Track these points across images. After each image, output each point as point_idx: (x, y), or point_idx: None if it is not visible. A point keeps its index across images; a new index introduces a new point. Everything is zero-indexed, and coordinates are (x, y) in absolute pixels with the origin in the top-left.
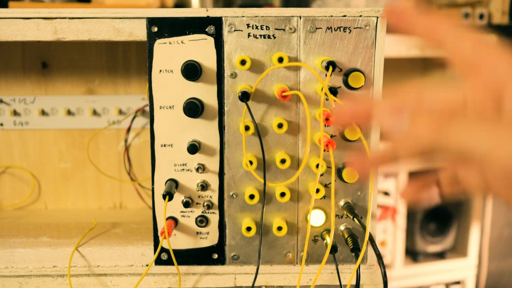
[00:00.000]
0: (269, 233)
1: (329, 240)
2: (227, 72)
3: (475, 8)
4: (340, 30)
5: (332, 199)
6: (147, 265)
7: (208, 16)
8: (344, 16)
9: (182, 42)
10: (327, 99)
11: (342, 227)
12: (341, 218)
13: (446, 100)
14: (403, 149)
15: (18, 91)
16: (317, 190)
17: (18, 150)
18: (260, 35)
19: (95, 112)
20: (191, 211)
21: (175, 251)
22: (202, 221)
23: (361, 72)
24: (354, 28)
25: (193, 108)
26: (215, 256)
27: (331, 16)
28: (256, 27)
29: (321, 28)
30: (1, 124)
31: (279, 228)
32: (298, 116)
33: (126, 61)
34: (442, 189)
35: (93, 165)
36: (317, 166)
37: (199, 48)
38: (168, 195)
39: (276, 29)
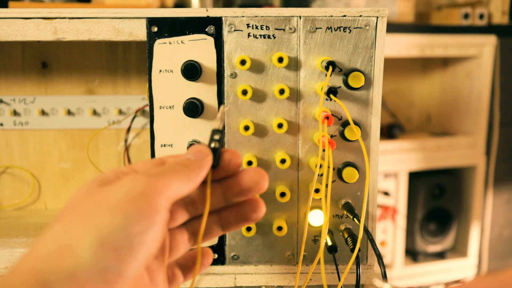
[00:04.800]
0: (269, 233)
1: (328, 240)
2: (227, 72)
3: (475, 8)
4: (340, 30)
5: (328, 199)
6: None
7: (208, 16)
8: (344, 16)
9: (182, 42)
10: (327, 99)
11: (342, 227)
12: (341, 218)
13: None
14: None
15: (18, 91)
16: (317, 190)
17: (18, 150)
18: (260, 35)
19: (95, 112)
20: None
21: None
22: None
23: (361, 72)
24: (354, 28)
25: (193, 108)
26: (215, 256)
27: (331, 16)
28: (256, 27)
29: (321, 28)
30: (1, 124)
31: (279, 228)
32: (298, 116)
33: (126, 61)
34: None
35: (93, 165)
36: (321, 166)
37: (199, 48)
38: None
39: (276, 29)
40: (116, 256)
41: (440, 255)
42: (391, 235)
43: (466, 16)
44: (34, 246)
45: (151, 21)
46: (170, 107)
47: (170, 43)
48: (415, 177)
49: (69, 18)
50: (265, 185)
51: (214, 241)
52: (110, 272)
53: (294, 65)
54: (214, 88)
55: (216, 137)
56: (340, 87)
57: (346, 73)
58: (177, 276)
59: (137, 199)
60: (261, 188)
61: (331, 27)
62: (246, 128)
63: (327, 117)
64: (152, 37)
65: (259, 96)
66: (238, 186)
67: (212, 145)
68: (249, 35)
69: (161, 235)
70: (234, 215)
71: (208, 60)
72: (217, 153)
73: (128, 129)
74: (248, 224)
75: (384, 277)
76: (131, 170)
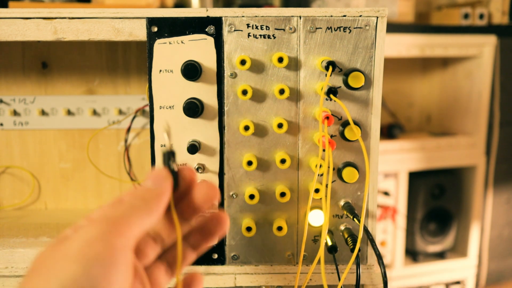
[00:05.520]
0: (269, 233)
1: (328, 240)
2: (227, 72)
3: (475, 8)
4: (340, 30)
5: (328, 199)
6: None
7: (208, 16)
8: (344, 16)
9: (182, 42)
10: (327, 99)
11: (342, 227)
12: (341, 218)
13: None
14: None
15: (18, 91)
16: (317, 190)
17: (18, 150)
18: (260, 35)
19: (95, 112)
20: None
21: None
22: None
23: (361, 72)
24: (354, 28)
25: (193, 108)
26: (215, 256)
27: (331, 16)
28: (256, 27)
29: (321, 28)
30: (1, 124)
31: (279, 228)
32: (298, 116)
33: (126, 61)
34: None
35: (93, 165)
36: (321, 166)
37: (199, 48)
38: None
39: (276, 29)
40: None
41: (440, 255)
42: (391, 235)
43: (466, 16)
44: None
45: (151, 21)
46: (170, 107)
47: (170, 43)
48: (415, 177)
49: (69, 18)
50: (217, 196)
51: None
52: None
53: (294, 65)
54: (214, 88)
55: (172, 158)
56: (340, 87)
57: (346, 73)
58: None
59: (94, 244)
60: (213, 199)
61: (331, 27)
62: (246, 128)
63: (327, 117)
64: (152, 37)
65: (259, 96)
66: (192, 204)
67: (169, 166)
68: (249, 35)
69: (128, 274)
70: (199, 234)
71: (208, 60)
72: (176, 175)
73: (128, 129)
74: (216, 239)
75: (384, 277)
76: (88, 220)
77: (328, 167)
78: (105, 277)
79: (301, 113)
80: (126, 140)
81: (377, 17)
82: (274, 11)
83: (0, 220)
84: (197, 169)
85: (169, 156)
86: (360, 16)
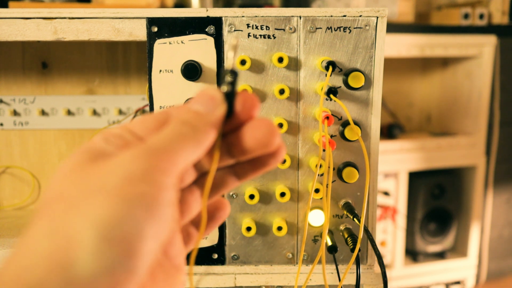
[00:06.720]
0: (269, 233)
1: (328, 240)
2: None
3: (475, 8)
4: (340, 30)
5: (328, 199)
6: None
7: (208, 16)
8: (344, 16)
9: (182, 42)
10: (327, 99)
11: (342, 227)
12: (341, 218)
13: None
14: None
15: (18, 91)
16: (317, 190)
17: (18, 150)
18: (260, 35)
19: (95, 112)
20: None
21: None
22: None
23: (361, 72)
24: (354, 28)
25: None
26: (215, 256)
27: (331, 16)
28: (256, 27)
29: (321, 28)
30: (1, 124)
31: (279, 228)
32: (298, 116)
33: (126, 61)
34: None
35: None
36: (321, 166)
37: (199, 48)
38: None
39: (276, 29)
40: (124, 250)
41: (440, 255)
42: (391, 235)
43: (466, 16)
44: (19, 248)
45: (151, 21)
46: (170, 107)
47: (170, 43)
48: (415, 177)
49: (69, 18)
50: (274, 143)
51: (214, 240)
52: (119, 271)
53: (294, 65)
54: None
55: (229, 79)
56: (340, 87)
57: (346, 73)
58: (192, 235)
59: (138, 182)
60: (270, 146)
61: (331, 27)
62: None
63: (327, 117)
64: (152, 37)
65: (259, 96)
66: (242, 145)
67: (225, 89)
68: (249, 35)
69: (173, 216)
70: (248, 164)
71: (208, 60)
72: (232, 100)
73: None
74: (267, 170)
75: (384, 277)
76: (127, 133)
77: (328, 167)
78: (149, 221)
79: (301, 113)
80: None
81: (377, 17)
82: (274, 11)
83: (0, 220)
84: None
85: (225, 75)
86: (360, 16)
